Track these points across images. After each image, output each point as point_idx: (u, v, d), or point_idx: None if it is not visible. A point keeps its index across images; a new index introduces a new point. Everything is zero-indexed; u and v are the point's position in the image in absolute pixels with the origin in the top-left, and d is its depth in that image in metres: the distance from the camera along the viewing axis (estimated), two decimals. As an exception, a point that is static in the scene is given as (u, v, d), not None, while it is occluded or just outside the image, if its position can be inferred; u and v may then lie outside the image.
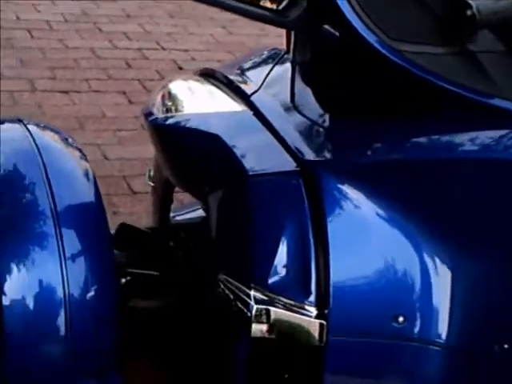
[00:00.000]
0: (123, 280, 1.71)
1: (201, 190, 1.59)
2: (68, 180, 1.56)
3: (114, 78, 3.68)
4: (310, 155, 1.40)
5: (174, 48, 4.05)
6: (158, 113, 1.73)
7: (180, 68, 3.87)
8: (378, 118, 1.40)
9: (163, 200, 1.95)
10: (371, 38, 1.31)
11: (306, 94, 1.49)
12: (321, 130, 1.46)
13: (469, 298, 1.32)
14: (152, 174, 2.11)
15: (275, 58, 1.72)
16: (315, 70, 1.46)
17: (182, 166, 1.64)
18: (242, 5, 1.33)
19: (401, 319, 1.34)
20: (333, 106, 1.44)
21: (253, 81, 1.64)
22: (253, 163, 1.44)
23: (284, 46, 1.68)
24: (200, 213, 2.14)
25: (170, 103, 1.73)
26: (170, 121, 1.64)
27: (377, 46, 1.32)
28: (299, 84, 1.53)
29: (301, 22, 1.34)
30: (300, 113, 1.48)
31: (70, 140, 1.71)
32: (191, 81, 1.82)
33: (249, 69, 1.79)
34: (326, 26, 1.39)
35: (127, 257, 1.72)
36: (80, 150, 1.67)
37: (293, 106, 1.51)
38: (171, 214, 2.10)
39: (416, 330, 1.34)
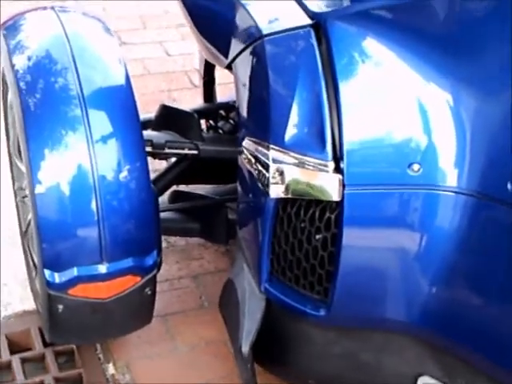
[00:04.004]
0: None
1: (226, 57, 1.62)
2: (95, 64, 1.59)
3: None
4: (320, 7, 1.43)
5: None
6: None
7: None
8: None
9: (205, 79, 2.00)
10: None
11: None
12: None
13: (482, 141, 1.31)
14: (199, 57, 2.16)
15: None
16: None
17: (208, 34, 1.70)
18: None
19: (416, 167, 1.33)
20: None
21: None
22: (267, 22, 1.47)
23: None
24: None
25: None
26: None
27: None
28: None
29: None
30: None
31: (103, 26, 1.74)
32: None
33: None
34: None
35: (166, 137, 1.76)
36: (112, 36, 1.70)
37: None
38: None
39: (431, 176, 1.33)
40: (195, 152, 1.77)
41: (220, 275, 2.06)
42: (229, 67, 1.63)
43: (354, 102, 1.36)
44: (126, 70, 1.60)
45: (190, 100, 2.82)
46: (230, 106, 1.89)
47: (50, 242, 1.49)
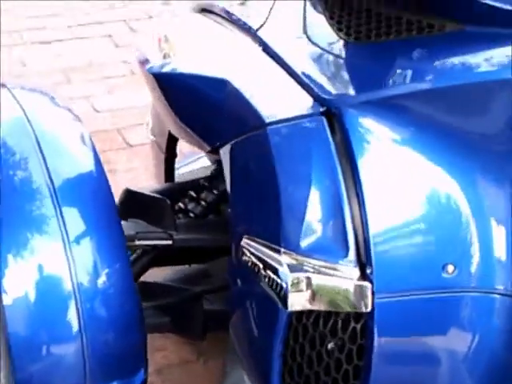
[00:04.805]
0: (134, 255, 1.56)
1: (211, 143, 1.42)
2: (63, 150, 1.39)
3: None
4: (330, 92, 1.23)
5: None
6: (155, 59, 1.55)
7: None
8: (394, 40, 1.23)
9: (167, 155, 1.78)
10: None
11: (319, 23, 1.32)
12: (338, 61, 1.29)
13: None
14: (151, 126, 1.94)
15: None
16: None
17: (187, 116, 1.46)
18: None
19: (450, 268, 1.18)
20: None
21: (257, 13, 1.46)
22: (269, 108, 1.27)
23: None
24: (204, 162, 1.98)
25: (167, 47, 1.55)
26: (170, 67, 1.47)
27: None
28: (311, 12, 1.35)
29: None
30: (314, 44, 1.31)
31: (59, 103, 1.55)
32: (188, 19, 1.65)
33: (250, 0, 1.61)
34: None
35: (135, 227, 1.56)
36: (71, 112, 1.51)
37: (306, 37, 1.33)
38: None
39: (467, 278, 1.19)
40: (169, 242, 1.57)
41: (186, 367, 1.88)
42: (213, 151, 1.43)
43: (378, 197, 1.19)
44: (97, 154, 1.41)
45: (128, 162, 2.61)
46: (200, 186, 1.69)
47: (22, 362, 1.26)
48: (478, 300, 1.20)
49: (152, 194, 1.62)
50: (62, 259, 1.28)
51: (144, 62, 1.58)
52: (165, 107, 1.50)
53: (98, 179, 1.39)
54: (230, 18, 1.53)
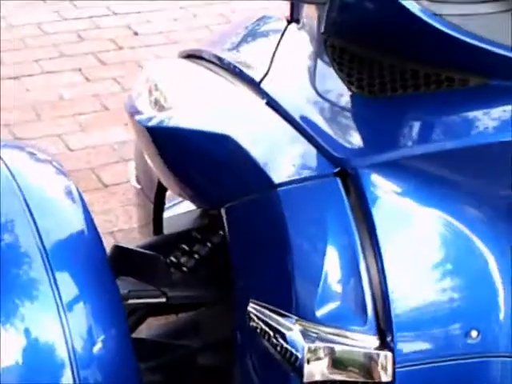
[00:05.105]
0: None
1: (210, 202, 1.35)
2: (53, 210, 1.32)
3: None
4: (344, 151, 1.16)
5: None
6: (147, 110, 1.47)
7: (135, 33, 3.57)
8: (411, 94, 1.16)
9: (155, 205, 1.70)
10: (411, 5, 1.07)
11: (327, 74, 1.24)
12: (351, 117, 1.21)
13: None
14: (135, 173, 1.86)
15: (275, 29, 1.45)
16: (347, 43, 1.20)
17: (184, 172, 1.38)
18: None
19: (474, 333, 1.12)
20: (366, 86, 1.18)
21: (257, 61, 1.38)
22: (277, 167, 1.19)
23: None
24: (188, 205, 1.90)
25: (159, 97, 1.46)
26: (164, 120, 1.37)
27: (418, 12, 1.07)
28: (318, 62, 1.27)
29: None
30: (323, 98, 1.23)
31: (45, 157, 1.47)
32: (179, 67, 1.56)
33: (246, 45, 1.53)
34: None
35: (127, 286, 1.47)
36: (59, 167, 1.44)
37: (314, 89, 1.25)
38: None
39: (494, 342, 1.13)
40: (163, 300, 1.49)
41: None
42: (211, 208, 1.36)
43: (398, 261, 1.12)
44: (88, 211, 1.33)
45: (104, 203, 2.52)
46: (192, 238, 1.61)
47: None
48: (502, 364, 1.14)
49: (143, 251, 1.53)
50: (56, 326, 1.20)
51: (135, 112, 1.50)
52: (158, 161, 1.42)
53: (91, 238, 1.32)
54: (223, 65, 1.45)
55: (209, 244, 1.60)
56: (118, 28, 3.56)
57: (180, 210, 1.94)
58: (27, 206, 1.27)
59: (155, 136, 1.37)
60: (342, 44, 1.23)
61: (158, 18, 3.67)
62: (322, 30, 1.18)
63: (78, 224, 1.31)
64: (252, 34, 1.54)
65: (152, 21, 3.65)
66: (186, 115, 1.34)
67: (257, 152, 1.21)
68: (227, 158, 1.25)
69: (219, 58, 1.47)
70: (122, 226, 2.40)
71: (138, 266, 1.52)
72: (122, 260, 1.53)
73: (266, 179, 1.18)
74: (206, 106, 1.34)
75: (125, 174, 2.55)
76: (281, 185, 1.17)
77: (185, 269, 1.62)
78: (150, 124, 1.39)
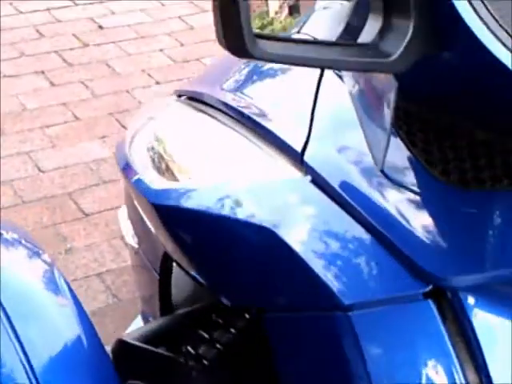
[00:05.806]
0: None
1: (240, 302, 1.07)
2: (38, 320, 1.03)
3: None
4: (437, 264, 0.88)
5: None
6: (151, 177, 1.18)
7: (100, 27, 3.24)
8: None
9: (161, 280, 1.40)
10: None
11: (395, 150, 0.94)
12: (440, 215, 0.91)
13: None
14: (132, 233, 1.56)
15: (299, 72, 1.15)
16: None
17: (203, 261, 1.09)
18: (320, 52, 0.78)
19: None
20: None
21: (285, 117, 1.09)
22: (342, 282, 0.91)
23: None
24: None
25: (168, 163, 1.18)
26: (180, 196, 1.08)
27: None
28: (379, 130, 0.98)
29: (408, 57, 0.79)
30: (397, 184, 0.94)
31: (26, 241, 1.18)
32: (187, 119, 1.27)
33: (260, 88, 1.24)
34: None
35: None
36: (41, 255, 1.15)
37: (382, 172, 0.95)
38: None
39: None
40: None
41: None
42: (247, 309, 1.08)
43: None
44: (84, 312, 1.07)
45: (86, 237, 2.22)
46: (212, 323, 1.33)
47: None
48: None
49: (156, 350, 1.25)
50: None
51: (133, 176, 1.22)
52: (171, 241, 1.13)
53: (89, 345, 1.04)
54: (240, 117, 1.16)
55: (232, 330, 1.32)
56: (80, 21, 3.23)
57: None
58: (7, 317, 0.99)
59: (169, 218, 1.09)
60: (410, 107, 0.94)
61: (123, 8, 3.34)
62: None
63: (69, 330, 1.03)
64: (263, 71, 1.24)
65: (116, 12, 3.32)
66: (211, 193, 1.05)
67: (310, 253, 0.92)
68: (268, 256, 0.97)
69: (233, 108, 1.18)
70: (111, 265, 2.11)
71: (151, 368, 1.24)
72: (130, 360, 1.25)
73: (330, 298, 0.90)
74: (237, 182, 1.05)
75: (106, 200, 2.27)
76: (352, 308, 0.89)
77: (205, 362, 1.34)
78: (158, 201, 1.11)
